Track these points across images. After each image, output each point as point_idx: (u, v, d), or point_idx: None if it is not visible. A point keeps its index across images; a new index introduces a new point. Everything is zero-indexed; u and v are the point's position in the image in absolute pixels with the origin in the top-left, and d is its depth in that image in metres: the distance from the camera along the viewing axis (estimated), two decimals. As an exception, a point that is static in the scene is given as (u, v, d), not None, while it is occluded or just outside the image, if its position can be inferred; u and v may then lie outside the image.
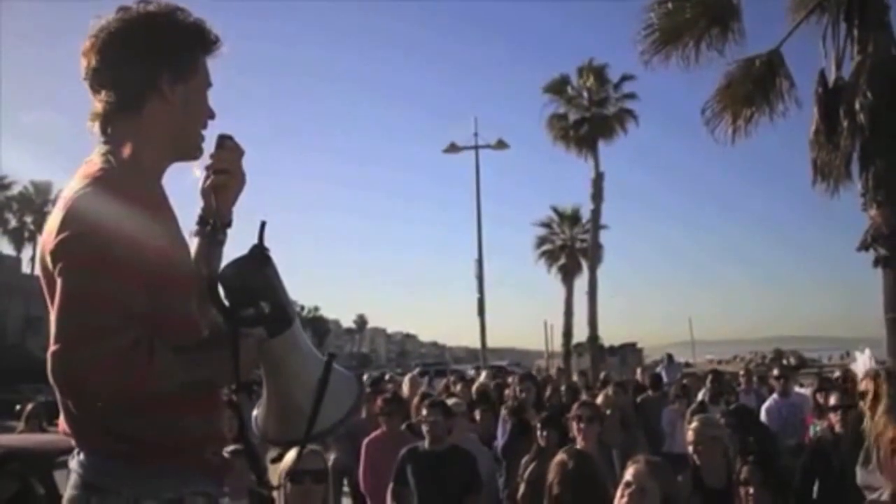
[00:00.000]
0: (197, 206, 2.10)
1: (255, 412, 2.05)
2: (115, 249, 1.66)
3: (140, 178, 1.85)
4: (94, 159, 1.86)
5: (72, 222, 1.70)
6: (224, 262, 1.91)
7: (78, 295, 1.65)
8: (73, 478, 1.82)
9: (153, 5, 1.91)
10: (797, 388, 10.26)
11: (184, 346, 1.82)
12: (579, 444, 5.23)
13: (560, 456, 4.06)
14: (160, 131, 1.91)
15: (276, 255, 1.88)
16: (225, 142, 2.01)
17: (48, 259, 1.74)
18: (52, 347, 1.64)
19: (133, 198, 1.75)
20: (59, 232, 1.70)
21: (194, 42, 1.95)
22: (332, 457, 7.54)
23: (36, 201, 56.38)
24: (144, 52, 1.87)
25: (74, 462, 1.84)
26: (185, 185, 2.05)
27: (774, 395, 8.78)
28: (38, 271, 1.88)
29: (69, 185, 1.82)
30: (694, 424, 4.61)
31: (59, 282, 1.68)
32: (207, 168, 2.03)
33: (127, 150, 1.86)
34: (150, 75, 1.88)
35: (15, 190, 58.38)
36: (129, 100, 1.88)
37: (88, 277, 1.66)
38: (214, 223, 1.98)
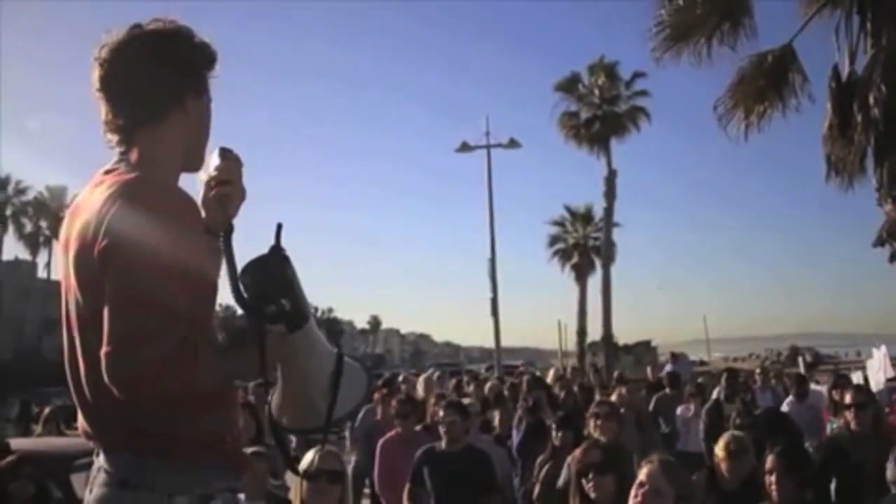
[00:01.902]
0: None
1: (268, 403, 2.12)
2: (159, 254, 1.72)
3: (172, 186, 1.93)
4: (120, 168, 1.92)
5: (116, 228, 1.75)
6: (241, 264, 1.97)
7: (128, 298, 1.71)
8: (102, 476, 1.85)
9: (165, 23, 1.98)
10: (813, 386, 10.20)
11: (218, 345, 1.93)
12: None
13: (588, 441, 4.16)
14: (179, 144, 2.00)
15: (289, 255, 1.94)
16: (227, 154, 2.07)
17: (89, 262, 1.78)
18: (106, 349, 1.69)
19: (170, 204, 1.82)
20: (105, 237, 1.75)
21: (207, 60, 2.03)
22: (352, 460, 7.58)
23: (51, 206, 56.68)
24: (172, 67, 1.95)
25: (101, 460, 1.88)
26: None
27: (790, 398, 8.71)
28: (55, 275, 1.91)
29: (95, 192, 1.87)
30: (727, 445, 4.53)
31: (108, 285, 1.73)
32: (210, 179, 2.08)
33: (150, 161, 1.93)
34: (178, 90, 1.97)
35: (30, 195, 58.87)
36: (153, 112, 1.95)
37: (137, 281, 1.72)
38: (227, 232, 2.03)
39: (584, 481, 3.90)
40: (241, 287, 1.90)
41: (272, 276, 1.90)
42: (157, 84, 1.94)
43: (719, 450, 4.50)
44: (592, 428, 5.59)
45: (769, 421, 7.51)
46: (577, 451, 4.11)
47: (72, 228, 1.89)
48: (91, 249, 1.77)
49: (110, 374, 1.69)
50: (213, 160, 2.06)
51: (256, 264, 1.92)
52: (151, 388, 1.70)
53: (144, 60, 1.92)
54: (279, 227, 1.94)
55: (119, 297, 1.71)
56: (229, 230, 2.02)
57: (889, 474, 4.64)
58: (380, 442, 6.57)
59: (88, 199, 1.89)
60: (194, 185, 2.10)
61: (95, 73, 1.95)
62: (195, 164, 2.07)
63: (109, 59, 1.93)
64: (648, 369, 16.04)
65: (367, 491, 7.96)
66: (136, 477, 1.81)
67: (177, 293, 1.74)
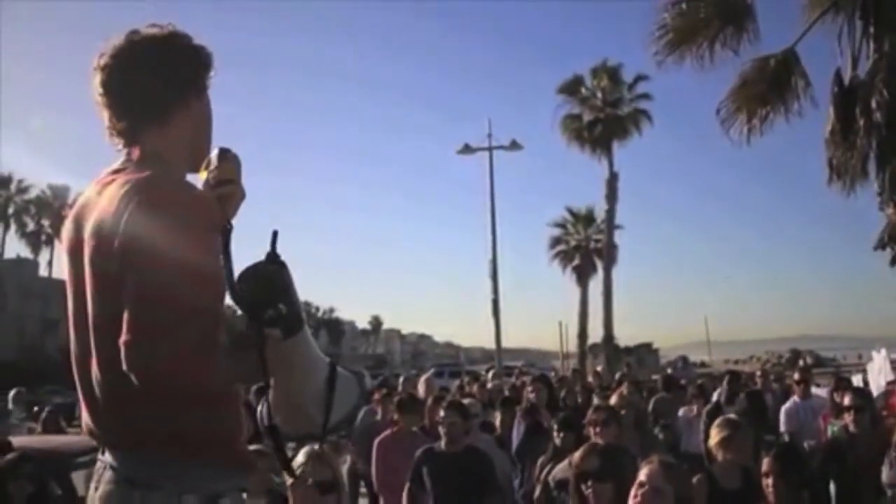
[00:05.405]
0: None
1: (259, 408, 2.12)
2: (179, 250, 1.75)
3: (186, 182, 1.97)
4: (129, 167, 1.95)
5: (135, 226, 1.77)
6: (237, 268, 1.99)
7: (149, 291, 1.73)
8: (109, 474, 1.86)
9: (163, 28, 2.01)
10: (813, 389, 10.19)
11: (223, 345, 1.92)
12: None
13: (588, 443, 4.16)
14: (184, 144, 2.03)
15: (290, 256, 1.97)
16: (226, 153, 2.10)
17: (107, 261, 1.79)
18: (125, 337, 1.70)
19: (187, 200, 1.86)
20: (124, 235, 1.77)
21: (204, 62, 2.06)
22: (347, 459, 7.58)
23: (53, 205, 56.62)
24: (173, 69, 1.98)
25: (108, 457, 1.88)
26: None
27: (795, 398, 8.71)
28: (57, 273, 1.92)
29: (105, 191, 1.89)
30: (725, 431, 4.55)
31: (129, 281, 1.74)
32: (211, 180, 2.09)
33: (158, 160, 1.96)
34: (180, 90, 2.00)
35: (32, 193, 58.91)
36: (157, 113, 1.98)
37: (158, 276, 1.74)
38: (225, 232, 2.05)
39: (583, 487, 3.90)
40: (240, 290, 1.92)
41: (270, 280, 1.93)
42: (159, 85, 1.97)
43: (713, 435, 4.52)
44: (592, 436, 5.58)
45: (751, 402, 7.64)
46: (576, 456, 4.10)
47: (81, 229, 1.90)
48: (109, 249, 1.79)
49: (129, 362, 1.69)
50: (213, 160, 2.08)
51: (254, 269, 1.95)
52: (168, 381, 1.72)
53: (145, 63, 1.95)
54: (275, 234, 1.97)
55: (140, 291, 1.73)
56: (227, 230, 2.02)
57: (884, 477, 4.66)
58: (376, 441, 6.57)
59: (97, 199, 1.90)
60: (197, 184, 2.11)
61: (97, 79, 1.98)
62: (197, 165, 2.09)
63: (110, 65, 1.96)
64: (621, 390, 15.57)
65: (363, 490, 7.98)
66: (144, 475, 1.82)
67: (196, 289, 1.77)
